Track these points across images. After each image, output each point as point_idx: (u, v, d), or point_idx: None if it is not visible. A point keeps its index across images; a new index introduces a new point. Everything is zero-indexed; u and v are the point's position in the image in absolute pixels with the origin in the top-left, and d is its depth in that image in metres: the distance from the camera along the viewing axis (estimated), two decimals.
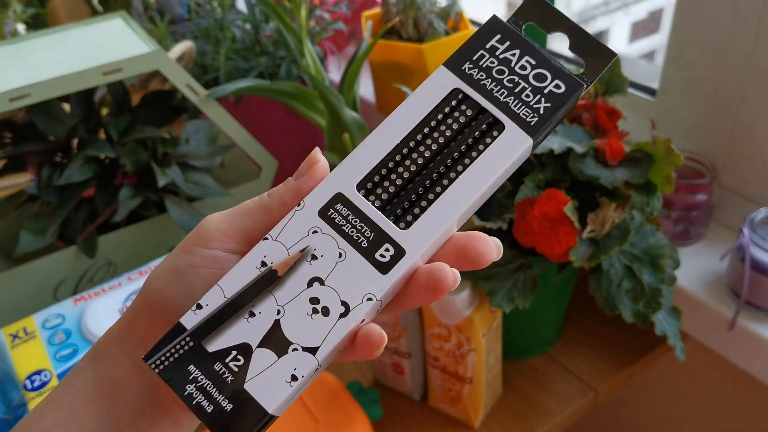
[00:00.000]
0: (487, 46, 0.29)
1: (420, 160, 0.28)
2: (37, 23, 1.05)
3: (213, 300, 0.27)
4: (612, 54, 0.29)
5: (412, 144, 0.29)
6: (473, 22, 0.98)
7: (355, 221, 0.28)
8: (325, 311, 0.27)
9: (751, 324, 0.63)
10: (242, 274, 0.27)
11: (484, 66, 0.29)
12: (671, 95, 0.75)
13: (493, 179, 0.28)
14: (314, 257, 0.27)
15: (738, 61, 0.67)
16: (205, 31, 0.92)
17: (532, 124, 0.28)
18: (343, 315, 0.27)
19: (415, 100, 0.29)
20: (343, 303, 0.27)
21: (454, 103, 0.29)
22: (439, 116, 0.29)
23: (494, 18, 0.30)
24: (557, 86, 0.28)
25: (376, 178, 0.28)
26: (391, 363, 0.67)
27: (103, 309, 0.60)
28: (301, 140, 0.95)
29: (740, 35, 0.66)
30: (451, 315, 0.58)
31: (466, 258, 0.27)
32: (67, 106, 0.78)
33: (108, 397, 0.29)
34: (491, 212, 0.57)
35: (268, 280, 0.27)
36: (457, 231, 0.29)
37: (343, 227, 0.27)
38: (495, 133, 0.28)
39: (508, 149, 0.28)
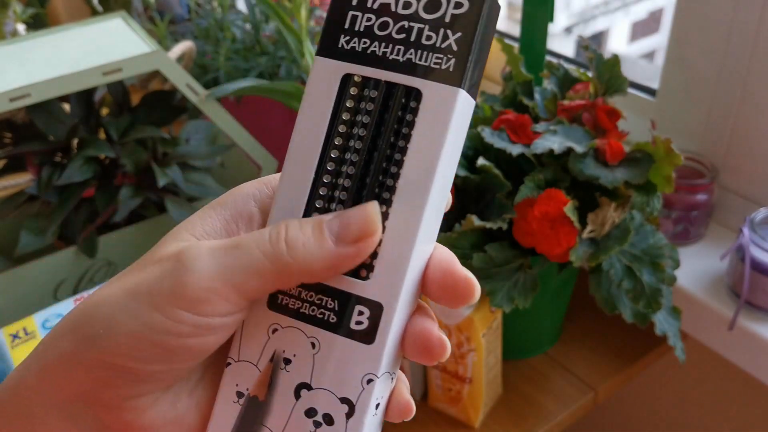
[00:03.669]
0: (354, 2, 0.23)
1: (347, 181, 0.23)
2: (37, 23, 1.05)
3: None
4: None
5: (331, 167, 0.23)
6: None
7: (310, 296, 0.22)
8: (328, 419, 0.22)
9: (751, 324, 0.63)
10: (224, 418, 0.23)
11: (361, 29, 0.23)
12: (671, 95, 0.75)
13: (438, 166, 0.22)
14: (287, 361, 0.22)
15: (738, 61, 0.67)
16: (205, 31, 0.92)
17: (451, 69, 0.21)
18: (349, 414, 0.22)
19: (307, 122, 0.23)
20: (344, 400, 0.22)
21: (354, 92, 0.23)
22: (341, 127, 0.23)
23: None
24: (458, 5, 0.22)
25: None
26: None
27: None
28: None
29: (740, 35, 0.66)
30: (451, 315, 0.58)
31: (447, 299, 0.23)
32: (67, 106, 0.78)
33: None
34: (491, 212, 0.57)
35: (254, 411, 0.23)
36: (437, 249, 0.24)
37: (301, 310, 0.22)
38: (413, 105, 0.22)
39: (438, 117, 0.22)
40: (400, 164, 0.22)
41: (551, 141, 0.56)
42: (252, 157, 0.81)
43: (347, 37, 0.23)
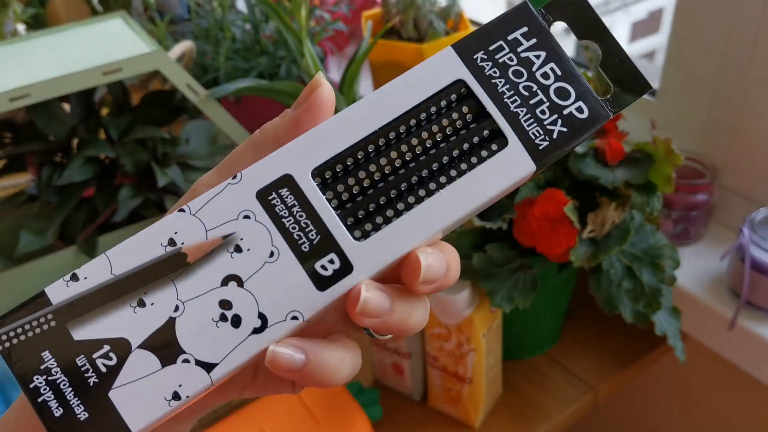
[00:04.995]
0: (510, 37, 0.24)
1: (398, 160, 0.23)
2: (37, 23, 1.05)
3: (95, 273, 0.21)
4: (647, 86, 0.24)
5: (392, 136, 0.23)
6: (473, 22, 0.98)
7: (300, 215, 0.22)
8: (236, 321, 0.22)
9: (751, 324, 0.63)
10: (141, 249, 0.22)
11: (500, 61, 0.23)
12: (671, 95, 0.75)
13: (479, 202, 0.23)
14: (238, 249, 0.22)
15: (738, 61, 0.67)
16: (205, 31, 0.92)
17: (540, 148, 0.23)
18: (257, 330, 0.22)
19: (410, 83, 0.23)
20: (261, 316, 0.22)
21: (454, 97, 0.24)
22: (432, 110, 0.23)
23: (525, 5, 0.24)
24: (580, 110, 0.23)
25: (339, 168, 0.23)
26: (391, 363, 0.67)
27: None
28: None
29: (740, 35, 0.66)
30: (451, 315, 0.58)
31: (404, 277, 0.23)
32: (67, 106, 0.79)
33: None
34: (491, 212, 0.57)
35: (173, 265, 0.22)
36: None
37: (283, 219, 0.22)
38: (494, 147, 0.23)
39: (506, 172, 0.23)
40: (449, 179, 0.23)
41: None
42: None
43: (485, 56, 0.24)
